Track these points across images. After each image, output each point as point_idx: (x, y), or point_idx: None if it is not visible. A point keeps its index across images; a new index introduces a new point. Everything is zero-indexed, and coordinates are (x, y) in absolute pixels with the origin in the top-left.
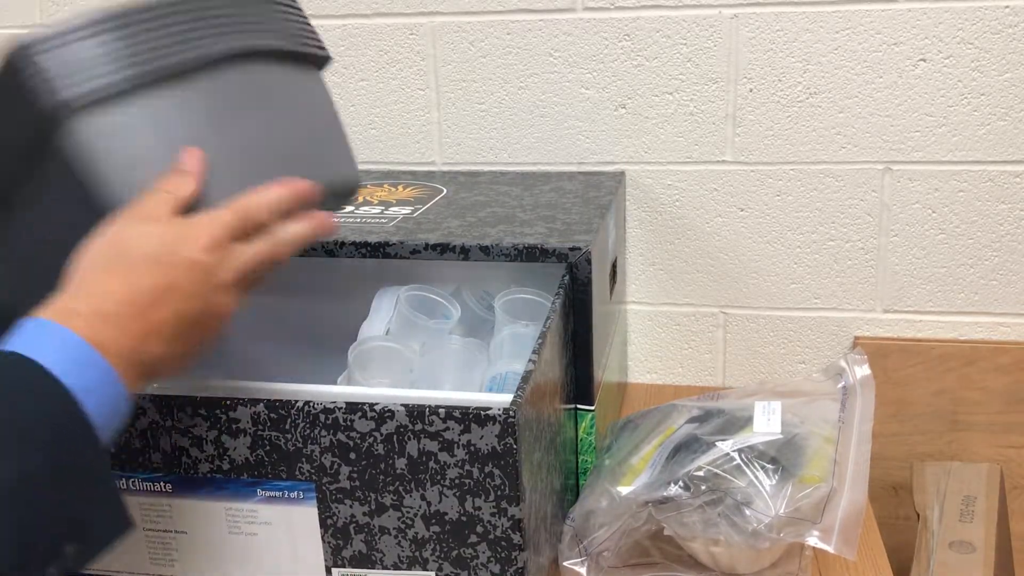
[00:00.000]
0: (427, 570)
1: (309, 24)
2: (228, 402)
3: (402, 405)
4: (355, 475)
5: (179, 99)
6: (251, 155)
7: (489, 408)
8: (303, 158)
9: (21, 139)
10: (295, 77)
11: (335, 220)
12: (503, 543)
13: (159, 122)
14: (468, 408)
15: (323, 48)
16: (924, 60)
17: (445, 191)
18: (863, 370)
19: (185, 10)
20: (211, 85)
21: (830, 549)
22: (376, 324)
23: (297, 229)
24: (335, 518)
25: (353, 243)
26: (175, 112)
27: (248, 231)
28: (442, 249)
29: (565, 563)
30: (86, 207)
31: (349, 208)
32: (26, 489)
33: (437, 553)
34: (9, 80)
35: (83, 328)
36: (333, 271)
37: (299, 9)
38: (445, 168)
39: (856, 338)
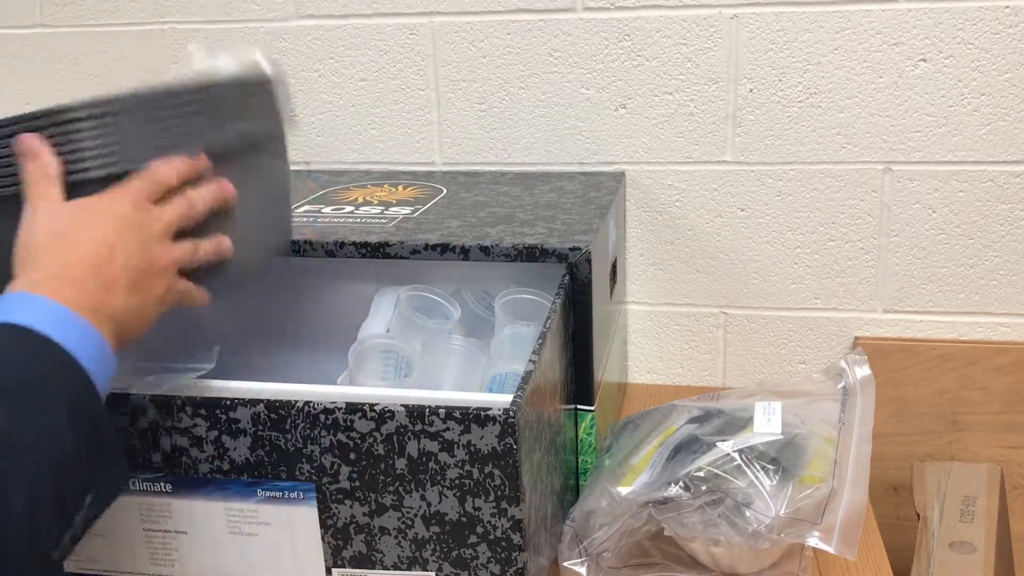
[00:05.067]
0: (427, 570)
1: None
2: (228, 402)
3: (402, 405)
4: (355, 475)
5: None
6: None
7: (489, 408)
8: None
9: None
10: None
11: (231, 186)
12: (503, 543)
13: None
14: (468, 408)
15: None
16: (924, 60)
17: (445, 191)
18: (863, 370)
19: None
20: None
21: (830, 550)
22: (376, 324)
23: (203, 192)
24: (335, 518)
25: (353, 243)
26: None
27: (162, 194)
28: (442, 249)
29: (565, 563)
30: None
31: (349, 208)
32: (47, 445)
33: (437, 553)
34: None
35: (49, 292)
36: (333, 271)
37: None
38: (445, 168)
39: (856, 338)
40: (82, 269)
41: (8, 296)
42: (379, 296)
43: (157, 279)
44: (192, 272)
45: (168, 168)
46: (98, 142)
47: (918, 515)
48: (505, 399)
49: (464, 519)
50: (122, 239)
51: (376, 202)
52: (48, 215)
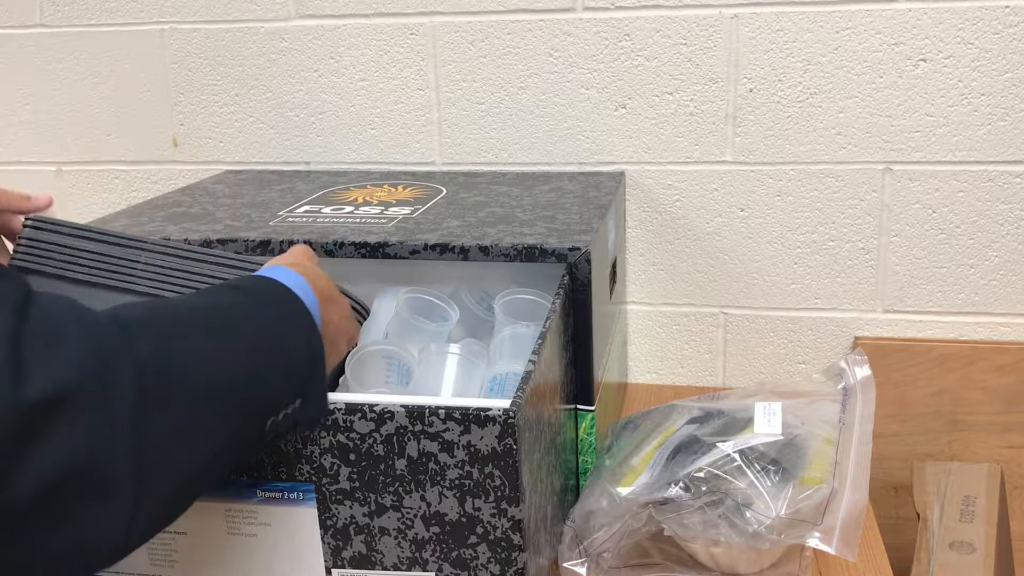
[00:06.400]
0: (427, 571)
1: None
2: None
3: (402, 406)
4: (355, 476)
5: None
6: None
7: (489, 409)
8: None
9: None
10: None
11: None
12: (503, 544)
13: None
14: (468, 409)
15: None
16: (924, 60)
17: (445, 191)
18: (863, 371)
19: None
20: None
21: (831, 550)
22: (375, 326)
23: None
24: (335, 519)
25: (353, 243)
26: None
27: None
28: (442, 249)
29: (565, 564)
30: None
31: (348, 208)
32: (289, 364)
33: (437, 554)
34: None
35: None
36: (332, 271)
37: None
38: (445, 168)
39: (856, 338)
40: (318, 281)
41: (273, 267)
42: (379, 298)
43: (344, 342)
44: None
45: None
46: None
47: (918, 515)
48: (505, 400)
49: (464, 519)
50: (342, 302)
51: (376, 202)
52: (294, 256)
